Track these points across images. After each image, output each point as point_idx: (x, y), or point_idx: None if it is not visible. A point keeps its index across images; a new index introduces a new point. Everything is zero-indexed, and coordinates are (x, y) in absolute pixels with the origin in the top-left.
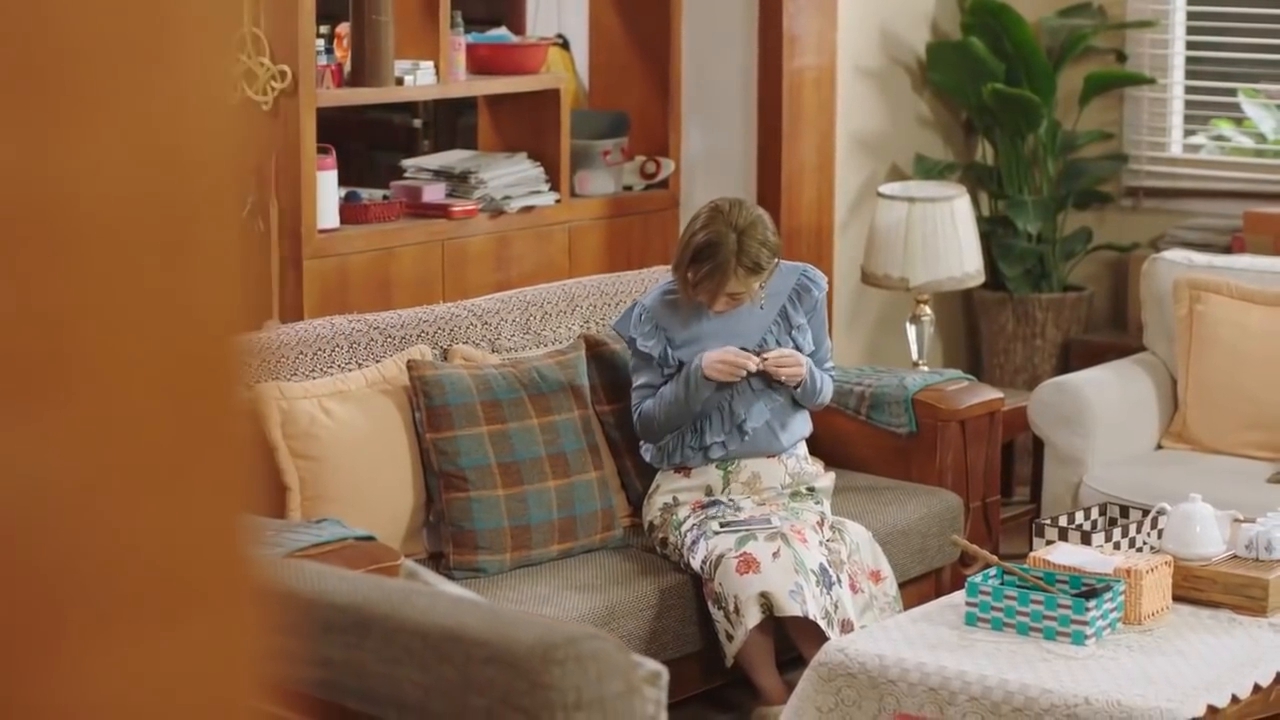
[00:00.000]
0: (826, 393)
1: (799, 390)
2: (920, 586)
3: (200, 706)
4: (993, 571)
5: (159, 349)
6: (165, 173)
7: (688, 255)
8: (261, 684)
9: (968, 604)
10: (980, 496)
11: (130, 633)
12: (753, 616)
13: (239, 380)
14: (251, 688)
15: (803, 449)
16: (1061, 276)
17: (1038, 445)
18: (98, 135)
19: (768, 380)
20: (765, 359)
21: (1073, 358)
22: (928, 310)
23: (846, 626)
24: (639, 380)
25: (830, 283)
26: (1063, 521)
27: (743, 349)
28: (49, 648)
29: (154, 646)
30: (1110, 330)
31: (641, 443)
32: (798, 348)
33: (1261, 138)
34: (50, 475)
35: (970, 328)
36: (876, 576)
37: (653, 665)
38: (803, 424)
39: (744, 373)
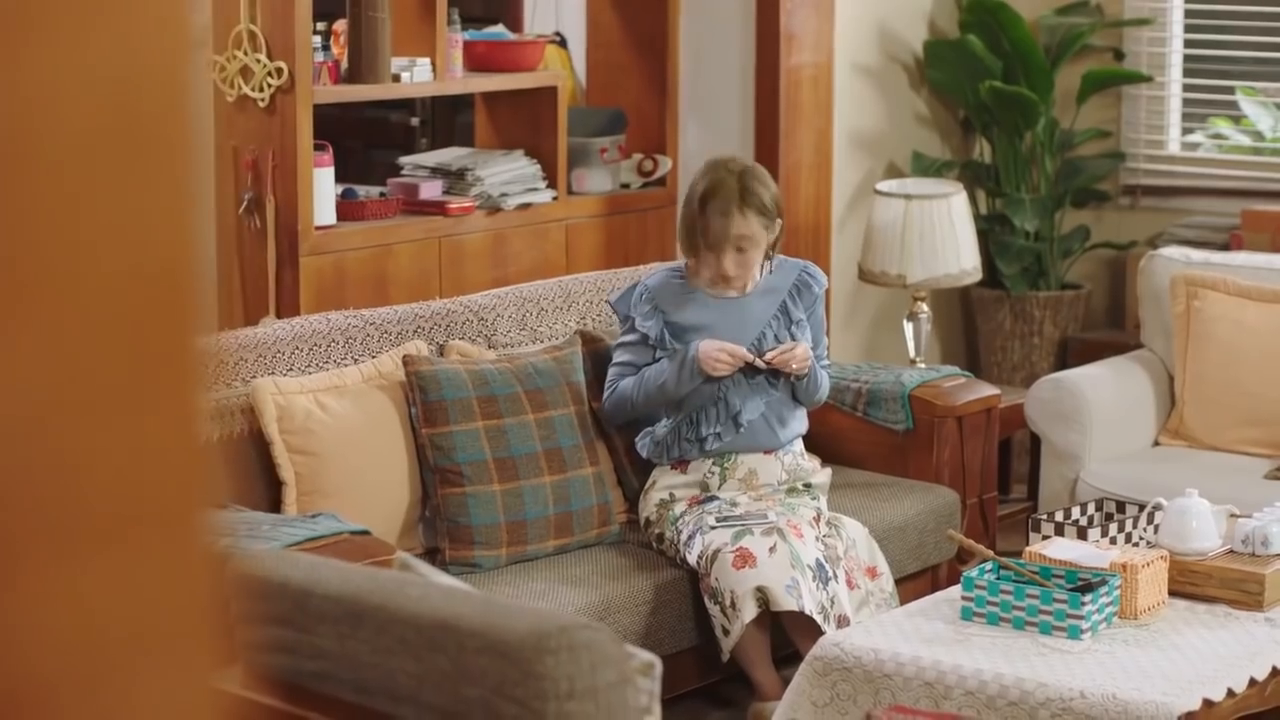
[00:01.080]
0: (824, 390)
1: (802, 383)
2: (917, 583)
3: (152, 624)
4: (989, 566)
5: (114, 272)
6: (122, 96)
7: (694, 207)
8: (212, 603)
9: (963, 598)
10: (977, 493)
11: (83, 552)
12: (749, 611)
13: (194, 300)
14: (202, 606)
15: (799, 445)
16: (1059, 274)
17: (1035, 444)
18: (54, 59)
19: (765, 376)
20: (768, 360)
21: (1070, 356)
22: (925, 307)
23: (843, 622)
24: (621, 357)
25: (828, 281)
26: (1059, 517)
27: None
28: (2, 567)
29: (106, 566)
30: (1108, 328)
31: (637, 438)
32: (794, 342)
33: (1259, 136)
34: (4, 396)
35: (968, 326)
36: (873, 572)
37: (646, 656)
38: (799, 421)
39: (740, 364)
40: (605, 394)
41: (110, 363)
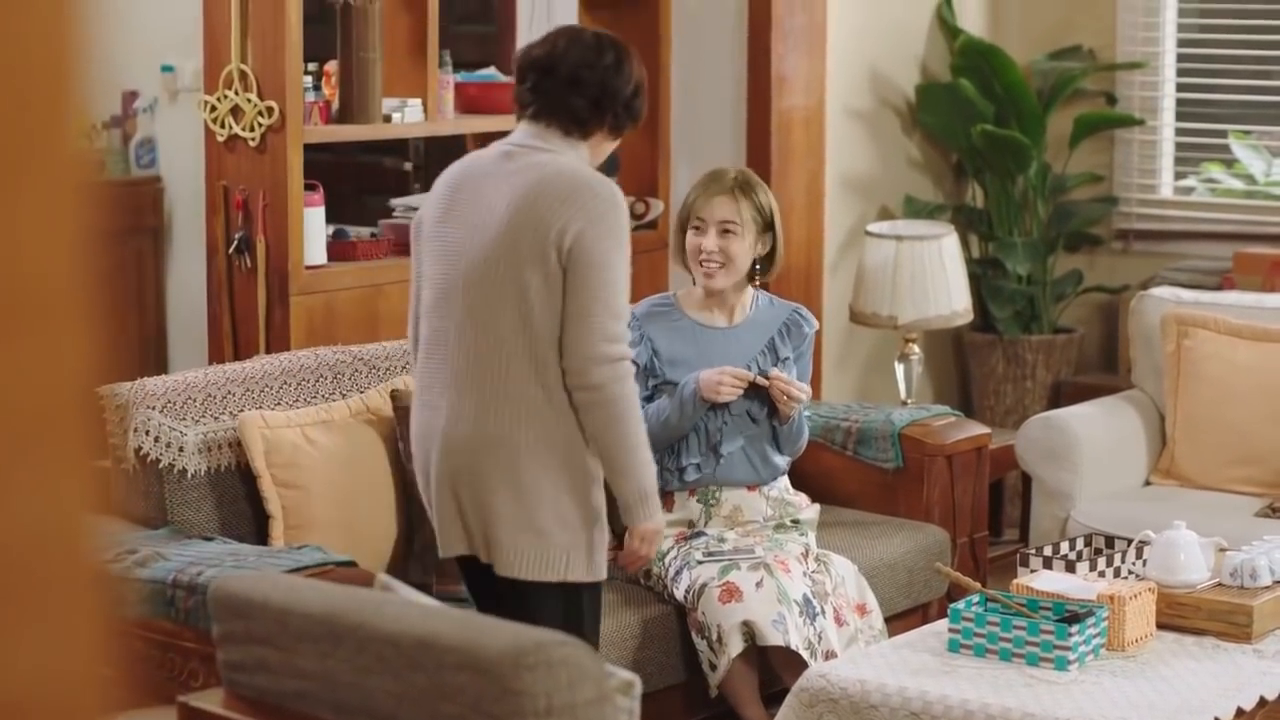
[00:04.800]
0: (804, 440)
1: (783, 429)
2: (907, 621)
3: (29, 412)
4: (976, 598)
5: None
6: None
7: (692, 192)
8: (86, 396)
9: (950, 630)
10: (967, 532)
11: None
12: (735, 645)
13: (73, 86)
14: (77, 398)
15: (783, 481)
16: (1052, 318)
17: (1027, 487)
18: None
19: (747, 410)
20: (774, 376)
21: (1063, 399)
22: (916, 349)
23: (830, 658)
24: None
25: (820, 323)
26: (1048, 551)
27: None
28: None
29: None
30: (1101, 372)
31: None
32: None
33: (1252, 180)
34: None
35: (961, 369)
36: (862, 610)
37: (625, 674)
38: (779, 460)
39: (743, 389)
40: None
41: None
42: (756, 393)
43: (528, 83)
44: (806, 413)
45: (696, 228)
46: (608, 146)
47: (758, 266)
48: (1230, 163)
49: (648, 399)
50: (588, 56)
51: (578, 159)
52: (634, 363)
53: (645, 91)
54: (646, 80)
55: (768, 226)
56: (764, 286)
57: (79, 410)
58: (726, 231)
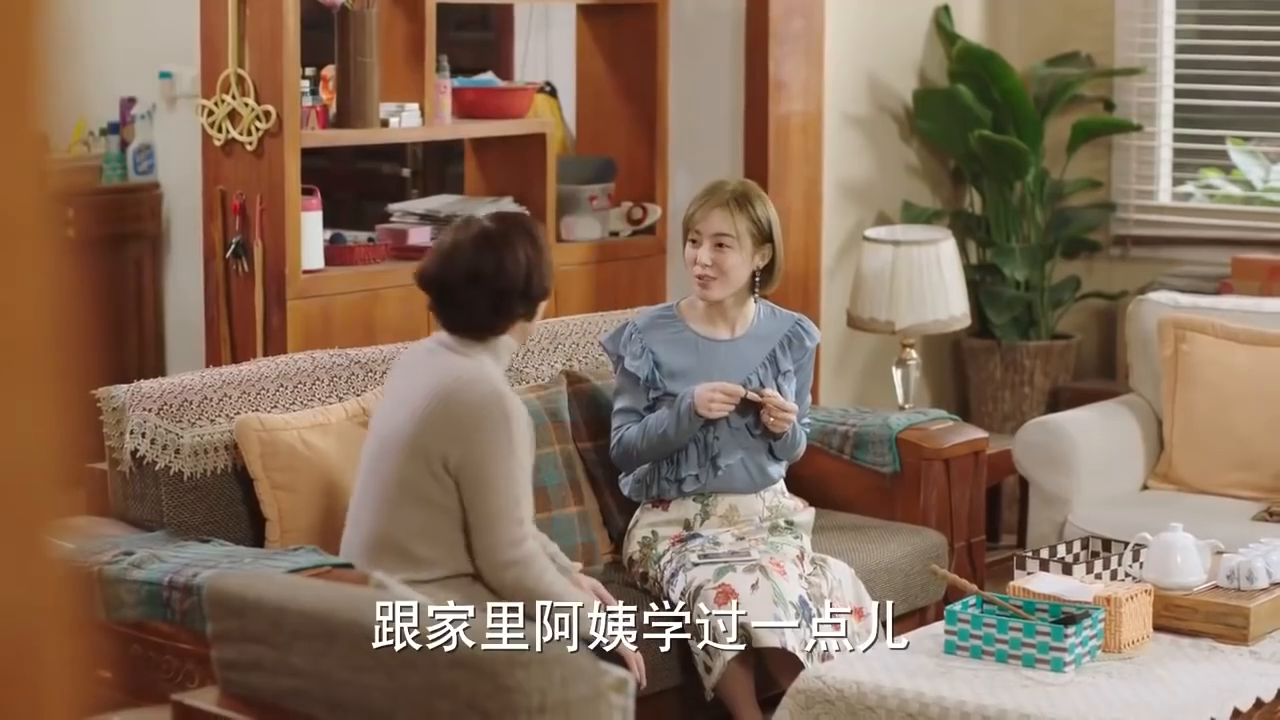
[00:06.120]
0: (801, 448)
1: (777, 442)
2: (904, 625)
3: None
4: (972, 600)
5: None
6: None
7: (693, 203)
8: (59, 323)
9: (947, 632)
10: (965, 537)
11: None
12: (731, 648)
13: (37, 43)
14: (49, 327)
15: (780, 485)
16: (1049, 324)
17: (1024, 492)
18: None
19: (746, 424)
20: (766, 395)
21: (1061, 405)
22: (913, 354)
23: (826, 660)
24: (621, 403)
25: (818, 328)
26: (1044, 554)
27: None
28: None
29: None
30: (1098, 378)
31: (620, 476)
32: (780, 393)
33: (1249, 186)
34: None
35: (959, 375)
36: (859, 613)
37: (620, 672)
38: (777, 468)
39: (734, 405)
40: (612, 443)
41: None
42: (753, 406)
43: (430, 301)
44: (805, 419)
45: (694, 240)
46: (529, 327)
47: (757, 279)
48: (1228, 169)
49: (648, 409)
50: (470, 266)
51: (494, 359)
52: (634, 375)
53: (541, 262)
54: (541, 247)
55: (766, 239)
56: (763, 298)
57: (48, 338)
58: (721, 245)
